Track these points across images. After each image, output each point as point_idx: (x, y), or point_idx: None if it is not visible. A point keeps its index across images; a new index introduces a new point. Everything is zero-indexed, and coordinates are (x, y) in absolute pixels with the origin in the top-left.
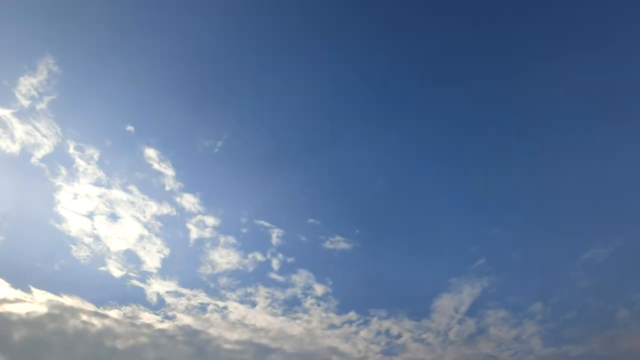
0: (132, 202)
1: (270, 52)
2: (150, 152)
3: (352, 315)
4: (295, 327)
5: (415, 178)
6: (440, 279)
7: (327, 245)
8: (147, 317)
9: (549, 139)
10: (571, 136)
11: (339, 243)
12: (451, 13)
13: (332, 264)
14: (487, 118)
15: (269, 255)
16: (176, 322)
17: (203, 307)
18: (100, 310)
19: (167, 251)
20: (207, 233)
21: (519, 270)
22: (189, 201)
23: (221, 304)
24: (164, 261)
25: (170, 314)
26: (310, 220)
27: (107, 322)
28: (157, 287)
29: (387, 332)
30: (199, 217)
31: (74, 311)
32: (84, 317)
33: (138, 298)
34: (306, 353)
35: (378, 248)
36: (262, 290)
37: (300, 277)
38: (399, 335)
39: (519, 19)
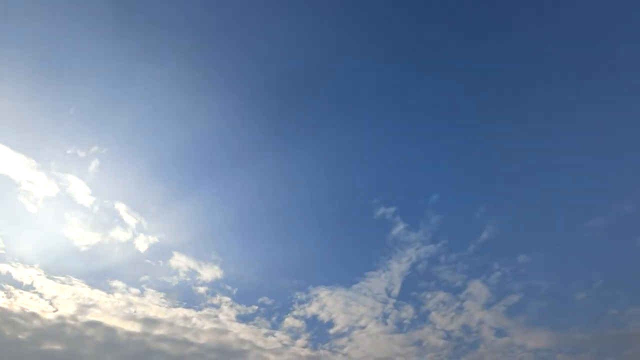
0: None
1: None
2: None
3: (265, 299)
4: (200, 319)
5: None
6: (362, 254)
7: (210, 220)
8: (29, 305)
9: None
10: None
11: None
12: None
13: (218, 244)
14: None
15: (130, 236)
16: (61, 312)
17: (85, 295)
18: None
19: (6, 231)
20: (43, 206)
21: (443, 236)
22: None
23: (104, 292)
24: (5, 240)
25: (51, 301)
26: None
27: None
28: (23, 272)
29: (316, 320)
30: (26, 185)
31: None
32: None
33: (10, 284)
34: (217, 348)
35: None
36: (144, 277)
37: (179, 262)
38: (331, 324)
39: None
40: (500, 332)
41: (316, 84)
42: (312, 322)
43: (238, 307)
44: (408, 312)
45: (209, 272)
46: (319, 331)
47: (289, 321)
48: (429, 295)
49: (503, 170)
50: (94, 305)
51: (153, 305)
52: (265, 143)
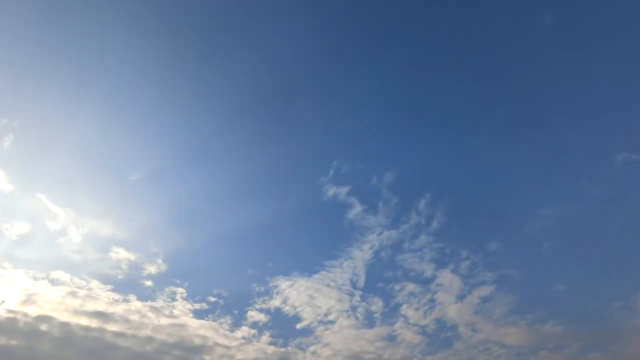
0: None
1: None
2: None
3: (222, 291)
4: (155, 313)
5: None
6: (318, 239)
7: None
8: None
9: None
10: None
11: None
12: None
13: (157, 236)
14: None
15: (61, 226)
16: (8, 305)
17: (28, 286)
18: None
19: None
20: None
21: (404, 220)
22: None
23: (48, 284)
24: None
25: None
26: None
27: None
28: None
29: (281, 314)
30: None
31: None
32: None
33: None
34: (178, 343)
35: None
36: (87, 269)
37: (119, 255)
38: (297, 318)
39: None
40: (476, 328)
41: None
42: (277, 317)
43: (192, 300)
44: (377, 305)
45: (153, 266)
46: (284, 327)
47: (252, 315)
48: (397, 287)
49: (458, 148)
50: (40, 297)
51: (102, 298)
52: (202, 122)
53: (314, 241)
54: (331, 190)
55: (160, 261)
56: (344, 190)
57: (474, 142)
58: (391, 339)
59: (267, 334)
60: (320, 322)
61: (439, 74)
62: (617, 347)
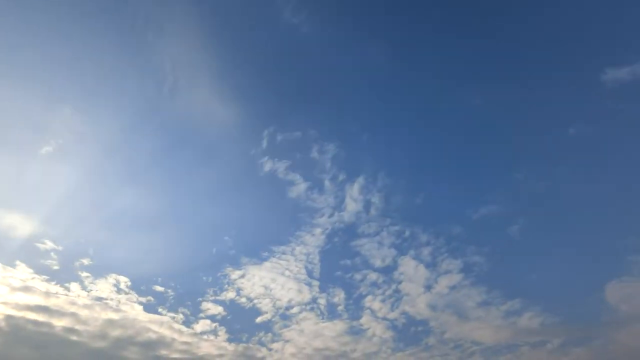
0: None
1: None
2: None
3: (167, 280)
4: (102, 309)
5: None
6: (261, 220)
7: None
8: None
9: None
10: None
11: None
12: None
13: (83, 229)
14: None
15: None
16: None
17: None
18: None
19: None
20: None
21: (353, 197)
22: None
23: None
24: None
25: None
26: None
27: None
28: None
29: (238, 308)
30: None
31: None
32: None
33: None
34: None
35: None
36: (18, 258)
37: (46, 246)
38: (256, 312)
39: None
40: (447, 321)
41: None
42: (234, 311)
43: (138, 292)
44: (339, 296)
45: (85, 258)
46: (243, 321)
47: (208, 307)
48: (358, 276)
49: (406, 118)
50: None
51: (40, 289)
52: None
53: (256, 224)
54: (267, 165)
55: (92, 252)
56: (282, 165)
57: (421, 114)
58: (357, 333)
59: (224, 329)
60: (282, 315)
61: (388, 45)
62: (599, 342)
